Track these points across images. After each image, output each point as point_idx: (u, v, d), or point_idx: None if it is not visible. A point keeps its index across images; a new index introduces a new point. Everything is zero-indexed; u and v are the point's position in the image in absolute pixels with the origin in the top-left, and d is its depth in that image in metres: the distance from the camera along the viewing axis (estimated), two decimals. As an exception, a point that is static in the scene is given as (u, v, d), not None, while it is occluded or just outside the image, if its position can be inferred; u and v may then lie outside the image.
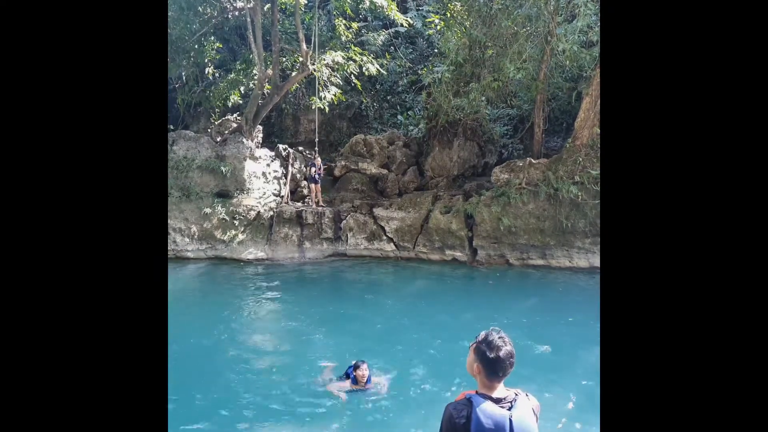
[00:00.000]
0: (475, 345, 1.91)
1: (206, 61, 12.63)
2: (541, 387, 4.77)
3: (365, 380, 4.83)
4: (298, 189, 12.50)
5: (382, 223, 11.02)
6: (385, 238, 11.01)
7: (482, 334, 1.92)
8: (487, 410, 1.80)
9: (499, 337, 1.88)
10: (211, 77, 12.88)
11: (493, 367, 1.84)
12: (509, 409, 1.83)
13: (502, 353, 1.83)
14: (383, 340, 6.57)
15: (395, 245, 10.99)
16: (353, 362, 4.95)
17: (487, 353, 1.84)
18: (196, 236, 10.73)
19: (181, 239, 10.68)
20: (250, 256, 10.76)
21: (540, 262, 10.29)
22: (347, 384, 4.89)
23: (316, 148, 12.13)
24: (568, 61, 10.15)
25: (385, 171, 12.62)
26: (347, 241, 11.07)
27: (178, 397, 4.78)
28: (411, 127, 13.80)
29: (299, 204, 11.78)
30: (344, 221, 11.11)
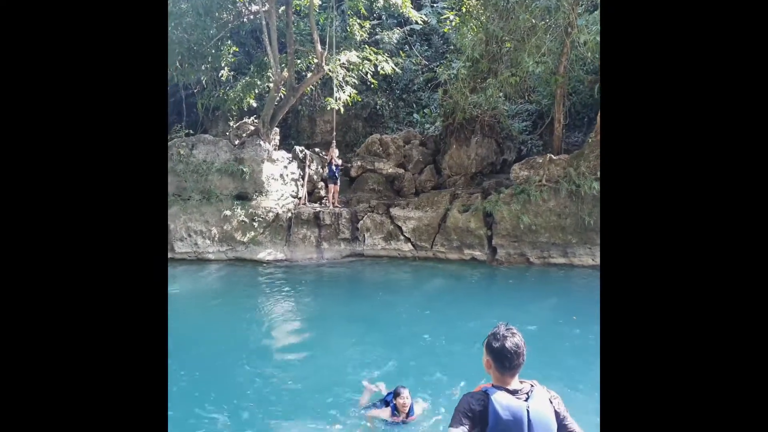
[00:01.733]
0: (486, 340, 1.96)
1: (222, 65, 12.82)
2: (563, 387, 4.62)
3: (407, 410, 4.26)
4: (315, 190, 12.56)
5: (399, 223, 10.96)
6: (402, 237, 10.94)
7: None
8: (503, 402, 1.82)
9: (507, 329, 1.92)
10: (225, 80, 13.05)
11: (500, 357, 1.86)
12: (526, 400, 1.84)
13: (507, 343, 1.86)
14: (404, 342, 6.51)
15: (413, 245, 10.91)
16: (393, 389, 4.37)
17: (493, 343, 1.89)
18: (216, 238, 10.91)
19: (203, 241, 10.87)
20: (270, 257, 10.87)
21: (562, 260, 10.03)
22: (386, 413, 4.34)
23: (334, 143, 11.85)
24: (589, 53, 9.83)
25: (401, 170, 12.54)
26: (364, 241, 11.05)
27: (199, 404, 4.84)
28: (427, 125, 13.66)
29: (316, 205, 11.83)
30: (361, 221, 11.10)
